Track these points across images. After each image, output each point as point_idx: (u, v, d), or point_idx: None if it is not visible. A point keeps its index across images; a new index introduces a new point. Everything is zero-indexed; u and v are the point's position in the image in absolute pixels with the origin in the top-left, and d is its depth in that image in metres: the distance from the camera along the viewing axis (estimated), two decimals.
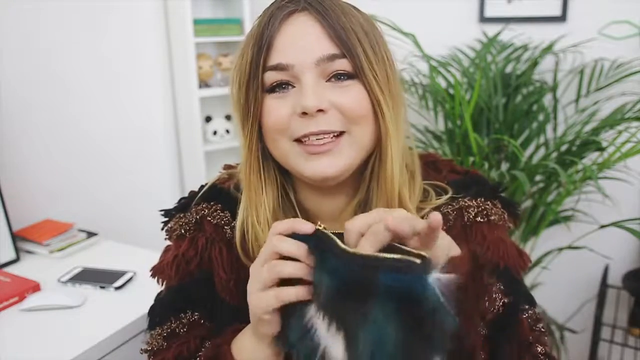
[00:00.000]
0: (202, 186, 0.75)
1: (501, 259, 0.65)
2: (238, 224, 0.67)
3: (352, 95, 0.59)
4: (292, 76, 0.59)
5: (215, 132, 2.17)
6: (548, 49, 1.66)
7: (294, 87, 0.60)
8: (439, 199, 0.67)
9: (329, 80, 0.59)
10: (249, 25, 2.10)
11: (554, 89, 1.64)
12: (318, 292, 0.49)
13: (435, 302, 0.41)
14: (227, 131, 2.20)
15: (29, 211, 1.57)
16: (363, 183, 0.66)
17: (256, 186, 0.64)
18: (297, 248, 0.50)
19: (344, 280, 0.45)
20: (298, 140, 0.60)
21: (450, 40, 1.84)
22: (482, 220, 0.66)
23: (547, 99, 1.66)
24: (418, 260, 0.42)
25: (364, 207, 0.66)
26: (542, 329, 0.64)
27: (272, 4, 0.63)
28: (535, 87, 1.67)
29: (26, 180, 1.59)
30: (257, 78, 0.60)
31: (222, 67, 2.14)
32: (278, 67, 0.59)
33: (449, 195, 0.67)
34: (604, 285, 1.64)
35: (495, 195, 0.69)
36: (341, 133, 0.60)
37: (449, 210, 0.66)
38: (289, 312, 0.52)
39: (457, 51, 1.81)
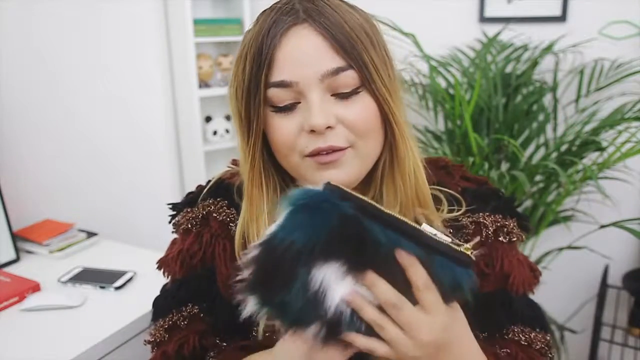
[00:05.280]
0: (210, 181, 0.75)
1: (521, 284, 0.66)
2: (237, 236, 0.66)
3: (359, 111, 0.58)
4: (297, 92, 0.57)
5: (215, 132, 2.17)
6: (548, 49, 1.65)
7: (299, 102, 0.58)
8: (453, 208, 0.66)
9: (334, 94, 0.58)
10: (249, 25, 2.09)
11: (554, 89, 1.63)
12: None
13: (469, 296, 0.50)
14: (227, 131, 2.20)
15: (29, 211, 1.57)
16: (374, 184, 0.65)
17: (257, 200, 0.64)
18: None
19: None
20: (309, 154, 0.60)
21: (450, 40, 1.84)
22: (503, 240, 0.66)
23: (547, 99, 1.66)
24: (473, 257, 0.49)
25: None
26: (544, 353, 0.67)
27: (270, 13, 0.60)
28: (535, 87, 1.66)
29: (26, 180, 1.59)
30: (258, 94, 0.58)
31: (222, 67, 2.14)
32: (282, 85, 0.57)
33: (464, 207, 0.66)
34: (604, 285, 1.64)
35: (512, 211, 0.69)
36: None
37: (467, 222, 0.66)
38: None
39: (457, 51, 1.81)
